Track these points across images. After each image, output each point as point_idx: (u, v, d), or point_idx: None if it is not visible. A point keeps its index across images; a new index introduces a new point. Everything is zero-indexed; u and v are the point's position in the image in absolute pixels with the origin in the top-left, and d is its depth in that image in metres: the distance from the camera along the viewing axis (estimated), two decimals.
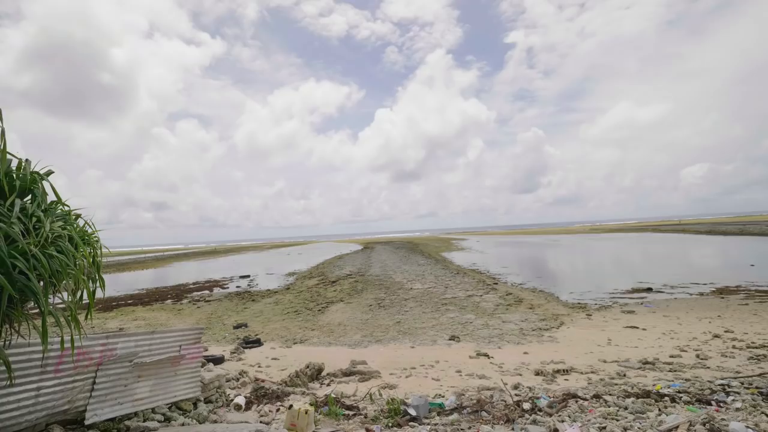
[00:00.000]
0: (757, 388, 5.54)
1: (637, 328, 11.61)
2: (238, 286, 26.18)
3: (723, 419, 4.06)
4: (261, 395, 6.22)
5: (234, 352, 9.94)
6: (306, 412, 4.48)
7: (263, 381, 7.06)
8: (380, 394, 5.84)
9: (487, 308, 15.32)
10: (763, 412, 4.39)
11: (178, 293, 23.61)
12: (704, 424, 3.95)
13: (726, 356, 8.44)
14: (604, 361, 8.54)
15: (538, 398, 5.57)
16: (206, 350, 10.14)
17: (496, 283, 21.88)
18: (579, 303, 16.06)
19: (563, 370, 7.82)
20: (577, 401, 5.36)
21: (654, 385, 6.19)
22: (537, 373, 7.74)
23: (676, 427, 4.00)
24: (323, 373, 7.86)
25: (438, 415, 5.15)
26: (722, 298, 15.57)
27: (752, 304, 14.06)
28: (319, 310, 16.46)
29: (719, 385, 5.91)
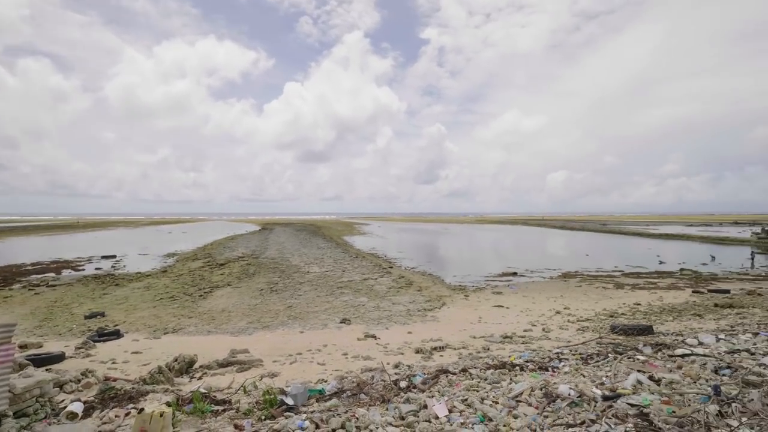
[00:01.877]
0: (579, 354, 6.84)
1: (503, 306, 13.44)
2: (97, 268, 22.07)
3: (555, 383, 4.86)
4: (109, 398, 5.26)
5: (80, 348, 8.26)
6: (161, 415, 3.88)
7: (115, 380, 6.00)
8: (255, 386, 5.47)
9: (380, 291, 15.91)
10: (581, 374, 5.41)
11: (8, 276, 18.77)
12: (541, 389, 4.66)
13: (563, 329, 10.32)
14: (474, 337, 9.61)
15: (414, 376, 5.91)
16: (40, 347, 8.27)
17: (392, 267, 22.93)
18: (460, 285, 17.89)
19: (440, 347, 8.54)
20: (447, 376, 5.84)
21: (509, 356, 7.16)
22: (417, 351, 8.29)
23: (521, 393, 4.64)
24: (195, 366, 7.07)
25: (317, 401, 5.03)
26: (565, 281, 19.12)
27: (584, 285, 17.59)
28: (201, 296, 14.91)
29: (555, 353, 7.13)
